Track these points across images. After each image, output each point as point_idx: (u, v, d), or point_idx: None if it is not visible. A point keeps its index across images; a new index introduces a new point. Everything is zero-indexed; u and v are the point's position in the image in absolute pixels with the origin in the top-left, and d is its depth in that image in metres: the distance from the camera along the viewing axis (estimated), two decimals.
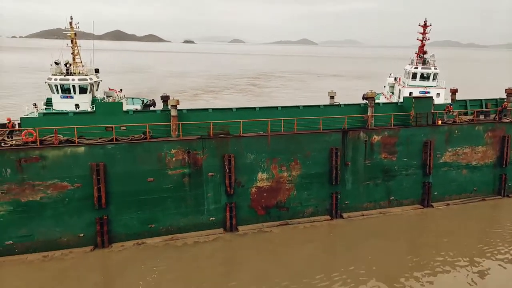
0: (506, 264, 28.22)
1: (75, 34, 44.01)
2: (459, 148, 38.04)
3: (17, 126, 30.95)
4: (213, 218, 32.13)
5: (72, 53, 43.87)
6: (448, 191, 38.24)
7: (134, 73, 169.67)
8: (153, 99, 50.99)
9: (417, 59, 47.04)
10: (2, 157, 26.52)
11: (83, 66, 44.27)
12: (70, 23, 43.92)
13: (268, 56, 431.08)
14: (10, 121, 30.91)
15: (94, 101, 43.17)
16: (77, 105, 40.68)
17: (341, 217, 34.91)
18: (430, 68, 45.23)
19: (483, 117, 41.61)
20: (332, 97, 39.91)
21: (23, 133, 27.38)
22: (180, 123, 31.24)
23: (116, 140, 29.32)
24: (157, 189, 30.32)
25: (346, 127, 34.77)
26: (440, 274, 26.75)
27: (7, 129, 28.74)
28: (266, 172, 32.70)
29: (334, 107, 37.89)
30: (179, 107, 32.29)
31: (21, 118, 30.14)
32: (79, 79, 41.43)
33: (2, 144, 27.13)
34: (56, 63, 42.61)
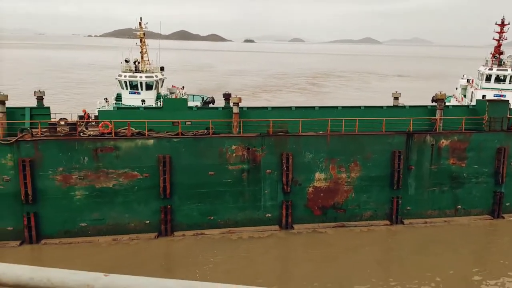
0: None
1: (144, 34, 47.10)
2: None
3: (92, 118, 33.90)
4: (269, 215, 32.66)
5: (140, 52, 47.09)
6: None
7: (196, 72, 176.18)
8: (212, 97, 52.80)
9: (492, 60, 43.34)
10: (81, 146, 29.36)
11: (150, 64, 47.31)
12: (140, 24, 47.04)
13: (328, 55, 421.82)
14: (85, 113, 33.97)
15: (158, 97, 45.94)
16: (143, 101, 43.54)
17: (402, 223, 33.52)
18: (507, 70, 41.45)
19: None
20: (396, 98, 38.24)
21: (100, 124, 30.03)
22: (241, 120, 32.06)
23: (182, 134, 30.99)
24: (217, 182, 31.53)
25: (411, 130, 33.20)
26: None
27: (84, 120, 31.62)
28: (324, 172, 32.45)
29: (398, 109, 36.32)
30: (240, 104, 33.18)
31: (98, 111, 33.02)
32: (146, 76, 44.30)
33: (81, 134, 29.98)
34: (126, 61, 46.08)
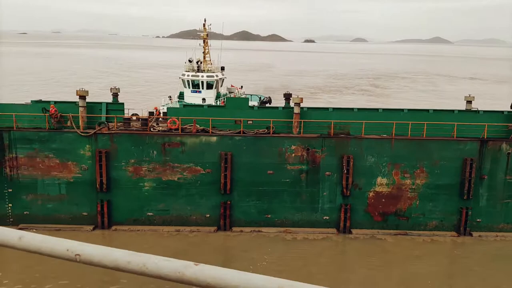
0: None
1: (207, 35, 48.70)
2: None
3: (161, 115, 35.86)
4: (327, 217, 32.32)
5: (203, 52, 48.77)
6: None
7: (256, 72, 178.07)
8: (269, 96, 53.23)
9: None
10: (151, 140, 31.25)
11: (211, 64, 48.88)
12: (204, 25, 48.67)
13: (393, 55, 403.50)
14: (157, 110, 35.98)
15: (218, 96, 47.26)
16: (203, 99, 44.98)
17: (470, 235, 31.40)
18: None
19: None
20: (469, 102, 35.69)
21: (168, 121, 31.72)
22: (302, 120, 32.03)
23: (243, 133, 31.72)
24: (276, 182, 31.84)
25: (485, 137, 30.94)
26: None
27: (155, 116, 33.53)
28: (386, 177, 31.39)
29: (470, 113, 33.93)
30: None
31: (167, 108, 34.86)
32: (207, 76, 45.75)
33: (151, 129, 31.89)
34: (190, 61, 47.97)
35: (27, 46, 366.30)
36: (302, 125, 31.91)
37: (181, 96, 48.24)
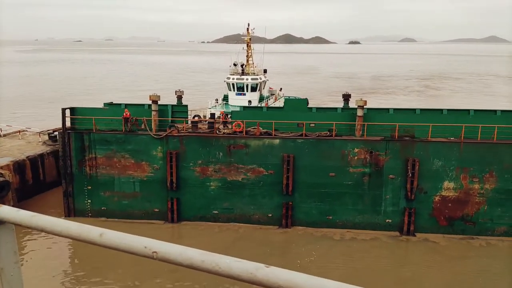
0: None
1: (250, 39, 49.71)
2: None
3: (228, 118, 37.34)
4: (390, 220, 32.14)
5: (246, 56, 49.85)
6: None
7: (299, 74, 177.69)
8: (306, 98, 53.32)
9: None
10: (217, 142, 32.75)
11: (255, 67, 49.83)
12: (247, 29, 49.74)
13: (443, 55, 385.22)
14: (223, 114, 37.52)
15: (261, 98, 48.06)
16: (249, 101, 45.92)
17: None
18: None
19: None
20: None
21: (234, 124, 33.10)
22: (366, 123, 32.11)
23: (305, 135, 32.38)
24: (338, 184, 32.16)
25: None
26: None
27: (220, 120, 35.04)
28: (454, 181, 30.71)
29: None
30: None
31: (232, 112, 36.26)
32: (251, 79, 46.68)
33: (218, 132, 33.42)
34: (235, 65, 49.21)
35: (82, 52, 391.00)
36: (365, 127, 31.99)
37: (225, 98, 49.52)
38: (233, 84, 47.68)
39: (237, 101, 46.96)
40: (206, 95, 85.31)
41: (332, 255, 29.32)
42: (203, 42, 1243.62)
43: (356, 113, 32.54)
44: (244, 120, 32.83)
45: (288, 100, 36.47)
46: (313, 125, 32.98)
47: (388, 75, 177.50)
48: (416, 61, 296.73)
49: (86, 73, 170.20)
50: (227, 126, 34.21)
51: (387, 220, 32.16)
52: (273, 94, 53.44)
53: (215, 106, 48.37)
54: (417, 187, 31.11)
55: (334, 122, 32.52)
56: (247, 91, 47.32)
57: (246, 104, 45.60)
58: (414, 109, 34.90)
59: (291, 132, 33.15)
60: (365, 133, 32.06)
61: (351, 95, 39.94)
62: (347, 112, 34.33)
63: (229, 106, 46.96)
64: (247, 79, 47.21)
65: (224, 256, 2.29)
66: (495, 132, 29.93)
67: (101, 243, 2.49)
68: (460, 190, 30.73)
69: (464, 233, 31.22)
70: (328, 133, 32.67)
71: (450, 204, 31.07)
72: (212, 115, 35.80)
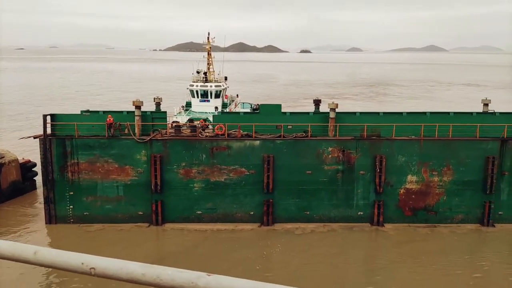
0: None
1: (210, 48, 51.38)
2: None
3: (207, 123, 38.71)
4: (361, 213, 35.11)
5: (208, 64, 51.44)
6: None
7: (256, 82, 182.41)
8: (258, 104, 56.10)
9: None
10: (201, 145, 34.10)
11: (219, 74, 51.63)
12: (208, 38, 51.34)
13: (388, 64, 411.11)
14: (204, 120, 38.76)
15: (224, 104, 49.59)
16: (216, 108, 47.07)
17: (493, 226, 34.29)
18: None
19: None
20: (486, 105, 39.05)
21: (216, 127, 34.62)
22: (337, 124, 35.00)
23: (284, 136, 34.63)
24: (314, 181, 34.67)
25: (505, 136, 34.05)
26: None
27: (202, 124, 36.36)
28: (416, 175, 34.32)
29: (488, 115, 37.14)
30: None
31: (213, 116, 37.71)
32: (215, 86, 48.14)
33: (200, 135, 34.74)
34: (198, 72, 50.43)
35: (24, 61, 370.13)
36: (337, 128, 34.87)
37: (188, 105, 50.42)
38: (196, 91, 48.43)
39: (202, 107, 47.78)
40: (165, 103, 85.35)
41: (299, 247, 31.53)
42: (155, 50, 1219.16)
43: (328, 116, 35.39)
44: (226, 123, 34.47)
45: (263, 106, 38.59)
46: (290, 127, 35.35)
47: (340, 82, 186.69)
48: (364, 69, 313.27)
49: (29, 82, 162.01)
50: (208, 130, 35.65)
51: (359, 213, 35.11)
52: (233, 101, 55.24)
53: (180, 112, 49.15)
54: (385, 181, 34.38)
55: (309, 124, 35.10)
56: (211, 97, 48.28)
57: (212, 110, 46.98)
58: (378, 112, 38.42)
59: (270, 134, 35.25)
60: (337, 134, 34.91)
61: (321, 100, 42.91)
62: (320, 115, 37.11)
63: (193, 113, 47.95)
64: (211, 86, 48.33)
65: (167, 267, 2.25)
66: (450, 130, 33.97)
67: (36, 262, 2.36)
68: (422, 183, 34.39)
69: (427, 222, 34.87)
70: (304, 134, 35.18)
71: (413, 196, 34.64)
72: (190, 120, 36.89)
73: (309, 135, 34.88)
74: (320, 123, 35.89)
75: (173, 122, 40.66)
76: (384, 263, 29.73)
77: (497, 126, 34.47)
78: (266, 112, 37.16)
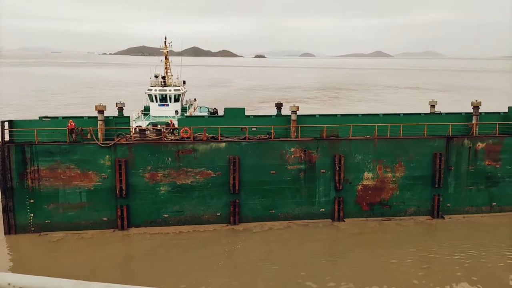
0: None
1: (168, 52, 51.60)
2: None
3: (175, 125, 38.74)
4: (323, 210, 36.92)
5: (165, 68, 51.63)
6: None
7: (213, 86, 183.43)
8: (215, 108, 57.32)
9: None
10: (166, 148, 34.30)
11: (177, 78, 51.91)
12: (165, 42, 51.55)
13: (340, 69, 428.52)
14: (172, 122, 38.86)
15: (184, 108, 49.91)
16: (176, 111, 47.16)
17: (442, 218, 37.43)
18: None
19: None
20: (433, 106, 42.63)
21: (182, 130, 34.98)
22: (299, 126, 36.66)
23: (248, 138, 35.70)
24: (278, 180, 36.02)
25: (450, 134, 37.37)
26: None
27: (170, 127, 36.50)
28: (372, 172, 36.71)
29: (435, 115, 40.56)
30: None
31: (178, 119, 37.95)
32: (174, 90, 48.29)
33: (165, 138, 34.93)
34: (156, 76, 50.34)
35: None
36: (299, 130, 36.53)
37: (146, 110, 50.13)
38: (155, 96, 48.06)
39: (161, 112, 47.50)
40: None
41: (261, 243, 32.78)
42: (105, 53, 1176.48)
43: (290, 118, 36.99)
44: (192, 127, 34.97)
45: (227, 110, 39.48)
46: (254, 129, 36.52)
47: (294, 86, 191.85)
48: (316, 74, 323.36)
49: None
50: (173, 133, 35.91)
51: (321, 209, 36.90)
52: (192, 105, 55.62)
53: (139, 117, 48.73)
54: (344, 179, 36.45)
55: (273, 126, 36.48)
56: (170, 101, 48.08)
57: (172, 114, 46.94)
58: (336, 114, 40.64)
59: (235, 136, 36.17)
60: (299, 135, 36.56)
61: (282, 104, 44.57)
62: (282, 117, 38.60)
63: (152, 117, 47.79)
64: (170, 90, 48.19)
65: (99, 283, 2.20)
66: (401, 130, 36.75)
67: None
68: (377, 179, 36.84)
69: (382, 215, 37.34)
70: (268, 136, 36.48)
71: (370, 192, 37.00)
72: (154, 125, 36.87)
73: (272, 137, 36.23)
74: (282, 125, 37.40)
75: (137, 126, 40.44)
76: (340, 253, 31.68)
77: (443, 125, 37.76)
78: (231, 116, 38.09)
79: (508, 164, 37.47)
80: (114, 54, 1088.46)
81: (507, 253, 31.33)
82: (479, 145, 36.99)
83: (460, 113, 40.00)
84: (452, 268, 29.13)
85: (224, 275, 28.15)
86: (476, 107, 37.78)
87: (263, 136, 36.62)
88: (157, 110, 48.01)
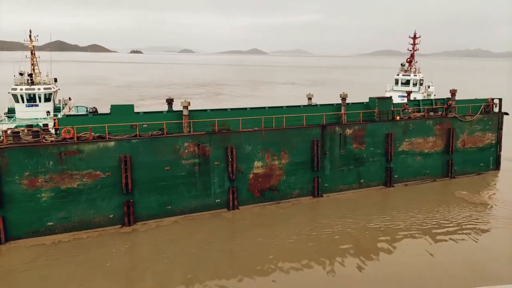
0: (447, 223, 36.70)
1: (33, 46, 47.35)
2: (414, 139, 46.76)
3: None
4: (219, 200, 38.37)
5: (32, 64, 47.37)
6: (405, 174, 46.76)
7: (86, 84, 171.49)
8: (94, 107, 55.51)
9: (403, 68, 63.83)
10: (46, 151, 31.42)
11: (47, 75, 47.98)
12: (30, 36, 47.37)
13: (219, 65, 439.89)
14: (55, 120, 35.35)
15: (56, 108, 46.55)
16: (48, 112, 43.52)
17: (322, 196, 42.33)
18: (410, 75, 61.09)
19: (432, 114, 50.71)
20: (310, 99, 47.56)
21: (63, 130, 32.35)
22: (191, 121, 37.21)
23: (140, 135, 34.90)
24: (173, 176, 36.14)
25: (324, 123, 42.30)
26: (401, 239, 34.51)
27: (49, 128, 33.36)
28: (261, 160, 39.43)
29: (312, 107, 45.36)
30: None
31: (57, 119, 34.86)
32: (45, 88, 44.63)
33: (44, 140, 31.91)
34: (21, 74, 45.71)
35: None
36: (191, 124, 37.09)
37: (11, 112, 45.16)
38: (21, 96, 43.19)
39: (29, 113, 42.97)
40: None
41: (157, 239, 32.93)
42: None
43: (182, 113, 37.28)
44: (74, 126, 32.65)
45: (114, 106, 37.71)
46: (145, 125, 35.82)
47: (176, 83, 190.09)
48: (196, 70, 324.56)
49: None
50: (53, 134, 33.03)
51: (216, 200, 38.27)
52: (66, 104, 51.66)
53: (3, 120, 43.46)
54: (236, 169, 38.40)
55: (164, 122, 36.31)
56: (40, 101, 43.74)
57: (43, 115, 42.94)
58: (226, 109, 42.32)
59: (124, 134, 34.95)
60: (191, 129, 37.15)
61: (173, 99, 44.29)
62: (174, 113, 38.61)
63: (18, 119, 43.17)
64: (39, 89, 43.79)
65: None
66: (284, 121, 40.22)
67: None
68: (266, 167, 39.75)
69: (272, 200, 40.49)
70: (160, 132, 36.19)
71: (260, 179, 39.74)
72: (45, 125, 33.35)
73: (165, 133, 36.07)
74: (174, 120, 37.46)
75: (9, 128, 35.92)
76: (228, 237, 33.58)
77: (319, 116, 42.53)
78: (118, 113, 36.66)
79: (371, 146, 44.18)
80: None
81: (374, 218, 37.25)
82: (347, 131, 42.74)
83: (332, 104, 45.51)
84: (333, 237, 33.47)
85: (110, 278, 27.18)
86: (343, 98, 43.50)
87: (155, 132, 36.20)
88: (24, 112, 42.91)
